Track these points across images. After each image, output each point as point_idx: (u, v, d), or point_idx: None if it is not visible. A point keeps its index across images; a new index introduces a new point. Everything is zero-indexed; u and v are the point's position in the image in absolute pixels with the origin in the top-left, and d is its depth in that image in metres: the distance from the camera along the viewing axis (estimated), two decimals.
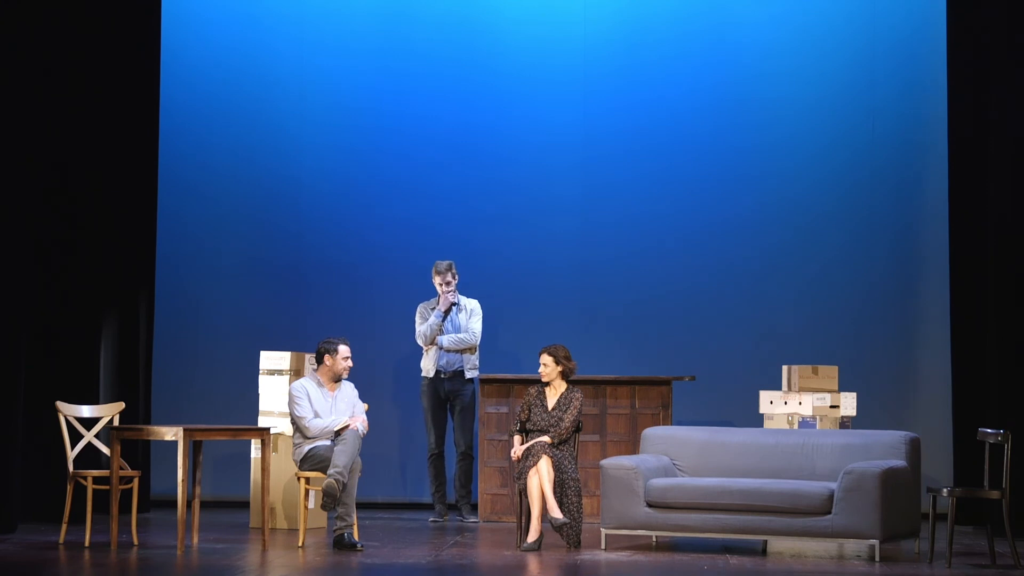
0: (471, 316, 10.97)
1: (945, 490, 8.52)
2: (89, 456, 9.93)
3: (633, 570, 8.42)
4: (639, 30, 12.25)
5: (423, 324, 10.94)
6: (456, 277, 10.95)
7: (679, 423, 10.92)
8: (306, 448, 9.41)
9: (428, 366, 10.97)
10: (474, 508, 11.03)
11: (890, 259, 11.92)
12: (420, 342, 10.98)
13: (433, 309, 10.94)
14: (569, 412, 9.32)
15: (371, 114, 12.33)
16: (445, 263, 10.95)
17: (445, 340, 10.89)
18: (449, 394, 10.96)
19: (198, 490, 9.35)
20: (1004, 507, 8.61)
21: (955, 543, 8.83)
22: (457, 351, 10.93)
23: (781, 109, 12.06)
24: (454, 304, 10.94)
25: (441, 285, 10.91)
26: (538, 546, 9.10)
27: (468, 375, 10.96)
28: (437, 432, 11.00)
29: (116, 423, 9.47)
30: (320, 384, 9.55)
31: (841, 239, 11.97)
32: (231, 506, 11.60)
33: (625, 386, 10.89)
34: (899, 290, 11.90)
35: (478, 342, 10.97)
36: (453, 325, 10.95)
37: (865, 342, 11.84)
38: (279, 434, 10.40)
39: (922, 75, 11.83)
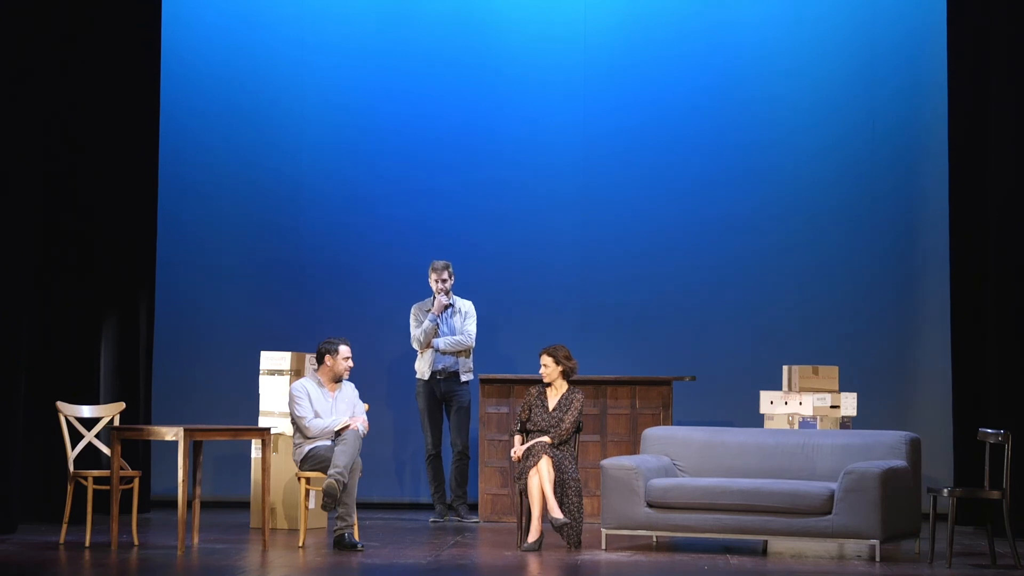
0: (466, 318, 10.96)
1: (945, 490, 8.52)
2: (89, 456, 9.94)
3: (633, 570, 8.42)
4: (639, 30, 12.25)
5: (418, 328, 10.93)
6: (452, 277, 10.95)
7: (679, 423, 10.92)
8: (306, 448, 9.41)
9: (423, 368, 10.97)
10: (471, 508, 11.03)
11: (890, 259, 11.92)
12: (415, 345, 10.97)
13: (427, 311, 10.93)
14: (570, 413, 9.32)
15: (371, 114, 12.34)
16: (442, 262, 10.95)
17: (441, 343, 10.88)
18: (445, 395, 10.96)
19: (198, 490, 9.35)
20: (1004, 507, 8.61)
21: (955, 543, 8.83)
22: (453, 353, 10.92)
23: (781, 109, 12.07)
24: (449, 305, 10.93)
25: (436, 283, 10.91)
26: (538, 546, 9.11)
27: (464, 377, 10.95)
28: (434, 433, 11.00)
29: (116, 423, 9.47)
30: (320, 384, 9.55)
31: (841, 239, 11.97)
32: (231, 506, 11.60)
33: (625, 386, 10.89)
34: (899, 290, 11.90)
35: (473, 343, 10.97)
36: (448, 327, 10.94)
37: (865, 342, 11.84)
38: (279, 434, 10.40)
39: (922, 75, 11.84)
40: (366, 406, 9.65)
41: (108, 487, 9.12)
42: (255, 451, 10.43)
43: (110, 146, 11.14)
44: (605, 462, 9.26)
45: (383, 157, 12.31)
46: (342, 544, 9.03)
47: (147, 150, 11.48)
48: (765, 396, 10.54)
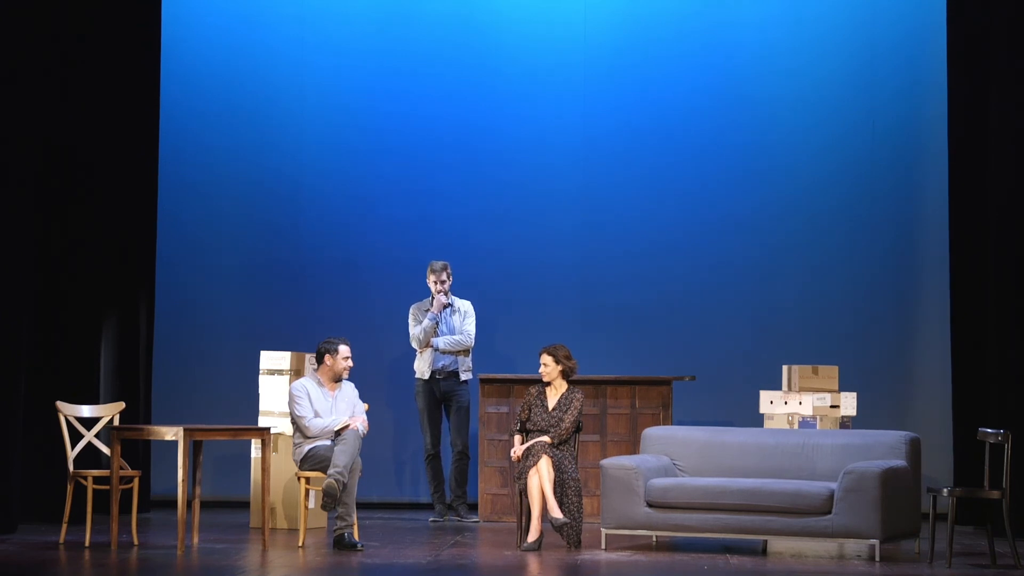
0: (465, 318, 10.96)
1: (945, 490, 8.52)
2: (89, 456, 9.93)
3: (633, 570, 8.42)
4: (639, 30, 12.25)
5: (417, 327, 10.93)
6: (451, 278, 10.95)
7: (679, 423, 10.92)
8: (306, 448, 9.41)
9: (423, 368, 10.97)
10: (471, 508, 11.03)
11: (890, 258, 11.92)
12: (415, 345, 10.97)
13: (427, 311, 10.93)
14: (569, 412, 9.32)
15: (371, 114, 12.34)
16: (440, 263, 10.96)
17: (441, 343, 10.88)
18: (444, 395, 10.96)
19: (198, 490, 9.35)
20: (1004, 507, 8.61)
21: (955, 543, 8.83)
22: (452, 353, 10.92)
23: (781, 109, 12.07)
24: (448, 305, 10.93)
25: (435, 284, 10.91)
26: (538, 546, 9.11)
27: (463, 376, 10.95)
28: (433, 433, 11.00)
29: (116, 423, 9.47)
30: (320, 384, 9.55)
31: (841, 239, 11.97)
32: (231, 506, 11.60)
33: (625, 386, 10.89)
34: (899, 289, 11.91)
35: (472, 343, 10.97)
36: (447, 326, 10.94)
37: (865, 342, 11.84)
38: (279, 434, 10.40)
39: (922, 75, 11.84)
40: (366, 406, 9.65)
41: (108, 487, 9.12)
42: (255, 451, 10.43)
43: (110, 146, 11.13)
44: (605, 462, 9.26)
45: (383, 157, 12.31)
46: (342, 544, 9.03)
47: (147, 150, 11.48)
48: (765, 396, 10.54)
